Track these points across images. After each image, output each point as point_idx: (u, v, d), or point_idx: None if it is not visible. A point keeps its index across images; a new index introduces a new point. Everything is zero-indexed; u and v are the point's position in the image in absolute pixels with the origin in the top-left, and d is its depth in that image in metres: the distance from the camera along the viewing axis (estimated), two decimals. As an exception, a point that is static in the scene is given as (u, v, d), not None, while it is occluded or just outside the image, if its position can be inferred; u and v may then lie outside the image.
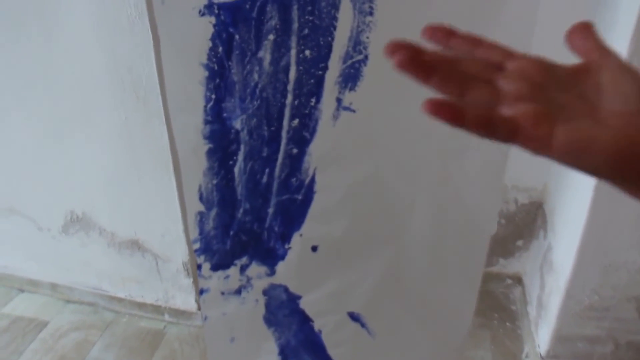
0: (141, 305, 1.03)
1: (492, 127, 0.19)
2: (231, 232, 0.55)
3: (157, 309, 1.02)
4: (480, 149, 0.48)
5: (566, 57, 0.22)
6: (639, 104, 0.19)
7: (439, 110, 0.19)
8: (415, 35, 0.44)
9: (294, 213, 0.54)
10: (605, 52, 0.21)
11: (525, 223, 1.08)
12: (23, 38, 0.88)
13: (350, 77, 0.47)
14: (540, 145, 0.19)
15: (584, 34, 0.22)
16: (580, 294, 0.79)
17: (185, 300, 0.99)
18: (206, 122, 0.49)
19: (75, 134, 0.92)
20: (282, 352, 0.61)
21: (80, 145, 0.92)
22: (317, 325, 0.59)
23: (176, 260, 0.96)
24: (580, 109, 0.19)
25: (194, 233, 0.55)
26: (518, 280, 1.13)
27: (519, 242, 1.11)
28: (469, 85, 0.20)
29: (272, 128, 0.49)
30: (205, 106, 0.48)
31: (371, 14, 0.45)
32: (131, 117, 0.87)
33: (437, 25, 0.24)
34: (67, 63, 0.88)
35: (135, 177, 0.89)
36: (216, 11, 0.45)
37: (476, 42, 0.23)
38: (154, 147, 0.86)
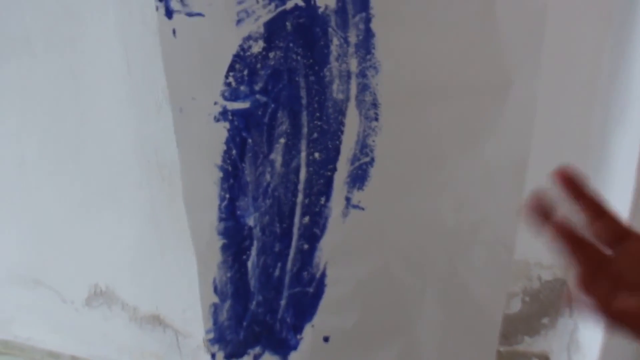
0: (161, 381, 1.03)
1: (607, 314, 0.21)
2: (244, 323, 0.56)
3: (176, 385, 1.02)
4: (486, 245, 0.49)
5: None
6: None
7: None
8: (419, 141, 0.46)
9: (306, 305, 0.55)
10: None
11: (550, 300, 1.06)
12: (59, 121, 0.93)
13: (358, 178, 0.49)
14: None
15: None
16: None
17: (205, 376, 0.99)
18: (220, 219, 0.51)
19: (102, 209, 0.95)
20: None
21: (106, 220, 0.95)
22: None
23: (197, 337, 0.97)
24: None
25: (208, 324, 0.56)
26: (545, 359, 1.09)
27: (545, 320, 1.08)
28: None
29: (284, 225, 0.51)
30: (220, 205, 0.50)
31: (376, 119, 0.47)
32: (156, 195, 0.90)
33: (571, 173, 0.24)
34: (98, 143, 0.93)
35: (159, 254, 0.91)
36: (230, 117, 0.48)
37: (600, 212, 0.24)
38: (177, 225, 0.89)
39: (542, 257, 0.99)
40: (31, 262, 1.03)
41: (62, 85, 0.91)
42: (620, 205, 0.47)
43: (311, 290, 0.54)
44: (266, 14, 0.45)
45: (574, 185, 0.24)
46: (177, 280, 0.95)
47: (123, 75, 0.85)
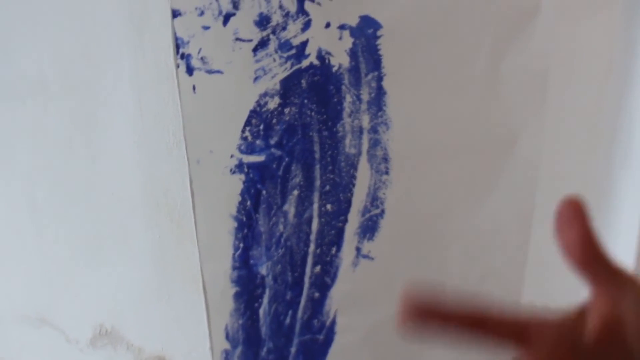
0: (164, 423, 1.02)
1: None
2: (254, 370, 0.56)
3: None
4: (493, 296, 0.50)
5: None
6: None
7: None
8: (428, 194, 0.47)
9: (316, 352, 0.55)
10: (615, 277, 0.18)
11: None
12: (70, 161, 0.95)
13: (369, 229, 0.50)
14: None
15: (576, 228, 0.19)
16: None
17: (208, 419, 0.98)
18: (234, 268, 0.52)
19: (109, 249, 0.96)
20: None
21: (113, 261, 0.96)
22: None
23: (200, 378, 0.97)
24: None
25: (219, 370, 0.56)
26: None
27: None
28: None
29: (296, 274, 0.52)
30: (234, 254, 0.52)
31: (387, 173, 0.49)
32: (165, 237, 0.91)
33: (414, 304, 0.20)
34: (108, 183, 0.94)
35: (165, 295, 0.91)
36: (246, 170, 0.49)
37: (478, 321, 0.19)
38: (185, 267, 0.90)
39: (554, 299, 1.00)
40: (37, 301, 1.04)
41: (74, 126, 0.93)
42: (625, 249, 0.48)
43: (321, 337, 0.55)
44: (282, 72, 0.47)
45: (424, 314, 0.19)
46: (183, 321, 0.95)
47: (135, 118, 0.88)
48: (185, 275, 0.91)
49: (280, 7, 0.46)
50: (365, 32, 0.46)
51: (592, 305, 0.19)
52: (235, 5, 0.46)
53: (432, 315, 0.20)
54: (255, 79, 0.47)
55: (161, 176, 0.89)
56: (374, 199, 0.49)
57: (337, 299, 0.53)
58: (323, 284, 0.52)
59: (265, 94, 0.48)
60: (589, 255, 0.19)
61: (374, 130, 0.48)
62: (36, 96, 0.92)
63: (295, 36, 0.47)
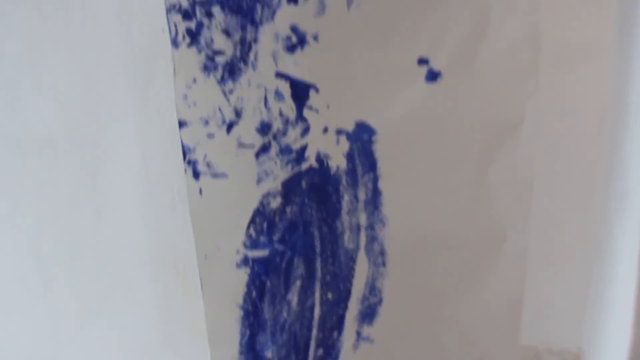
0: None
1: None
2: None
3: None
4: None
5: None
6: None
7: None
8: (423, 284, 0.50)
9: None
10: None
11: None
12: (76, 215, 0.98)
13: (368, 315, 0.53)
14: None
15: None
16: None
17: None
18: (241, 353, 0.55)
19: (115, 302, 0.99)
20: None
21: (118, 313, 0.99)
22: None
23: None
24: None
25: None
26: None
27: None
28: None
29: (300, 357, 0.55)
30: (241, 340, 0.54)
31: (384, 265, 0.52)
32: (170, 290, 0.94)
33: None
34: (113, 238, 0.97)
35: (171, 349, 0.94)
36: (251, 264, 0.52)
37: None
38: (190, 320, 0.92)
39: (553, 342, 1.03)
40: (42, 354, 1.05)
41: (80, 182, 0.95)
42: (623, 303, 0.50)
43: (325, 413, 0.57)
44: (284, 174, 0.50)
45: None
46: (189, 370, 0.97)
47: (140, 175, 0.90)
48: (190, 329, 0.94)
49: (281, 114, 0.49)
50: (361, 137, 0.49)
51: None
52: (238, 114, 0.49)
53: None
54: (258, 181, 0.50)
55: (166, 231, 0.92)
56: (372, 288, 0.52)
57: (340, 378, 0.56)
58: (326, 366, 0.55)
59: (267, 195, 0.51)
60: None
61: (371, 227, 0.51)
62: (43, 151, 0.95)
63: (295, 141, 0.50)
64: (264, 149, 0.50)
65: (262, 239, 0.52)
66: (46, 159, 0.92)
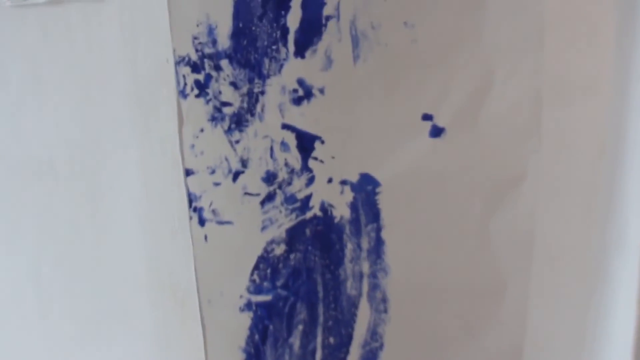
0: None
1: None
2: None
3: None
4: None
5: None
6: None
7: None
8: (424, 331, 0.51)
9: None
10: None
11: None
12: (75, 241, 0.98)
13: (369, 359, 0.54)
14: None
15: None
16: None
17: None
18: (243, 395, 0.55)
19: (113, 327, 0.99)
20: None
21: (116, 338, 0.98)
22: None
23: None
24: None
25: None
26: None
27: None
28: None
29: (300, 399, 0.56)
30: (243, 382, 0.55)
31: (386, 312, 0.53)
32: (169, 317, 0.94)
33: None
34: (113, 263, 0.97)
35: (170, 372, 0.94)
36: (254, 308, 0.53)
37: None
38: (189, 346, 0.93)
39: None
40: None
41: (80, 207, 0.96)
42: (622, 340, 0.51)
43: None
44: (288, 222, 0.51)
45: None
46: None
47: (140, 202, 0.91)
48: (189, 355, 0.94)
49: (286, 164, 0.50)
50: (365, 188, 0.50)
51: None
52: (244, 164, 0.50)
53: None
54: (263, 228, 0.51)
55: (166, 258, 0.92)
56: (374, 334, 0.53)
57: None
58: (326, 407, 0.56)
59: (272, 242, 0.51)
60: None
61: (373, 275, 0.51)
62: (44, 177, 0.95)
63: (299, 190, 0.50)
64: (269, 197, 0.51)
65: (266, 284, 0.53)
66: (47, 183, 0.93)
